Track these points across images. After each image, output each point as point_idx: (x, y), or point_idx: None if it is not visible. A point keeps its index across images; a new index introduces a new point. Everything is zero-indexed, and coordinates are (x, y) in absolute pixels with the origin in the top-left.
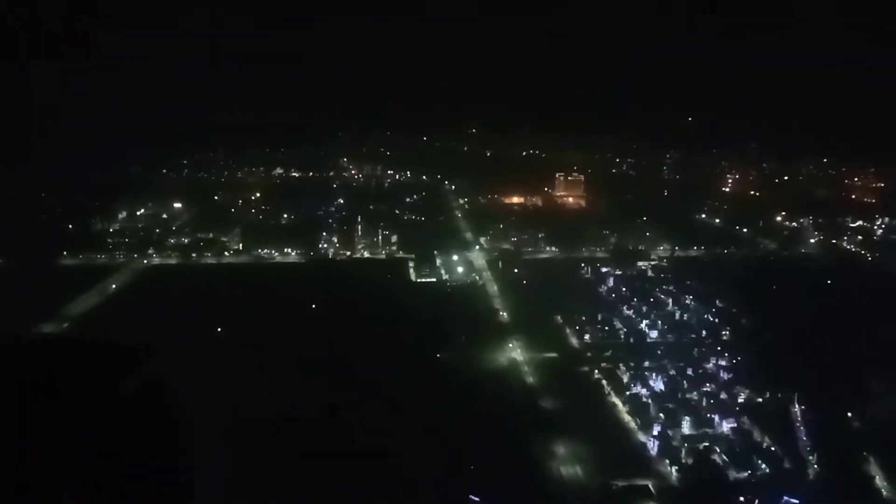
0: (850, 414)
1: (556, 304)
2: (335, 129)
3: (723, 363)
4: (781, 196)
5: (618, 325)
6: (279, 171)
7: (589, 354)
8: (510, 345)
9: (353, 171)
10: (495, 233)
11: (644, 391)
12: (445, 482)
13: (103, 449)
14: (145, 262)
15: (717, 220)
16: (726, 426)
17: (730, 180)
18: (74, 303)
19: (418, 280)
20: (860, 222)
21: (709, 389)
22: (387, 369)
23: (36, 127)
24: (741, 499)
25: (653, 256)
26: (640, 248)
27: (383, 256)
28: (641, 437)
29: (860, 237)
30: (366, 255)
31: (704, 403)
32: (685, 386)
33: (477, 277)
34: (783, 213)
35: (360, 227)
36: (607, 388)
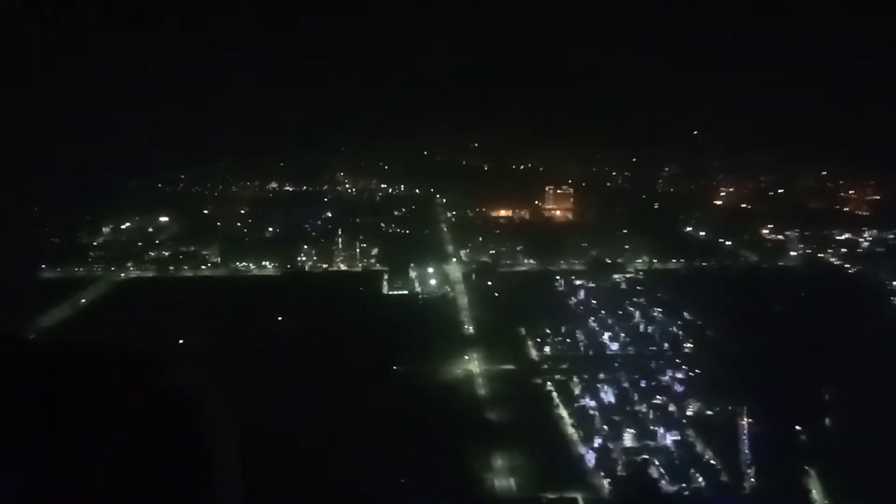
0: (798, 427)
1: (522, 317)
2: (338, 144)
3: (679, 376)
4: (773, 208)
5: (580, 337)
6: (274, 184)
7: (545, 366)
8: (469, 357)
9: (347, 185)
10: (475, 246)
11: (592, 403)
12: (372, 495)
13: (121, 457)
14: (122, 275)
15: (703, 233)
16: (669, 439)
17: (723, 193)
18: (43, 316)
19: (390, 293)
20: (847, 235)
21: (659, 402)
22: (339, 381)
23: (33, 136)
24: None
25: (630, 269)
26: (618, 260)
27: (359, 269)
28: (581, 450)
29: (844, 250)
30: (342, 267)
31: (652, 416)
32: (635, 398)
33: (449, 290)
34: (770, 226)
35: (340, 239)
36: (556, 400)
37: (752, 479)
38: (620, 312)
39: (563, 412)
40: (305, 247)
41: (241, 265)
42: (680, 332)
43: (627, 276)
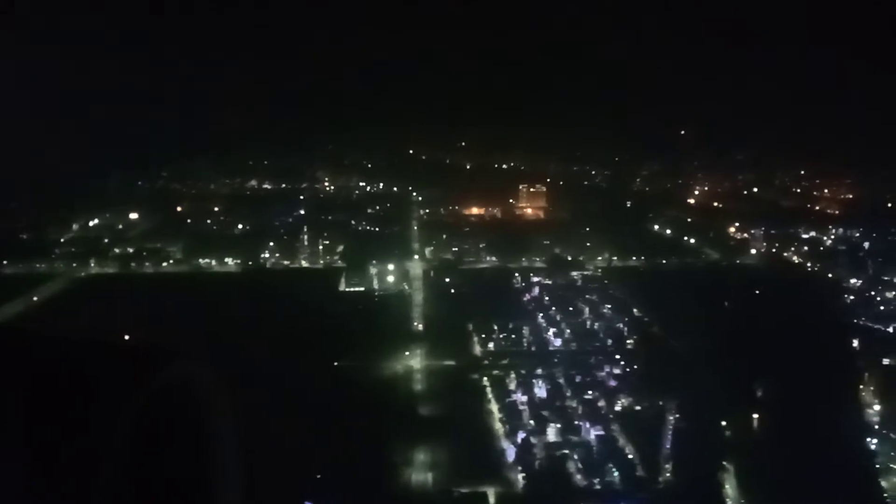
0: (724, 423)
1: (473, 313)
2: (325, 142)
3: (616, 371)
4: (745, 207)
5: (526, 333)
6: (253, 182)
7: (486, 362)
8: (413, 353)
9: (325, 184)
10: (440, 243)
11: (524, 398)
12: (287, 489)
13: (124, 454)
14: (82, 272)
15: (668, 231)
16: (593, 434)
17: (696, 192)
18: None
19: (346, 289)
20: (813, 233)
21: (589, 397)
22: (274, 377)
23: (6, 131)
24: None
25: (589, 266)
26: (579, 258)
27: (321, 266)
28: (503, 444)
29: (806, 248)
30: (304, 264)
31: (581, 411)
32: (567, 394)
33: (407, 287)
34: (736, 224)
35: (305, 237)
36: (490, 396)
37: (667, 475)
38: (570, 309)
39: (494, 407)
40: (271, 244)
41: (203, 262)
42: (625, 329)
43: (585, 273)
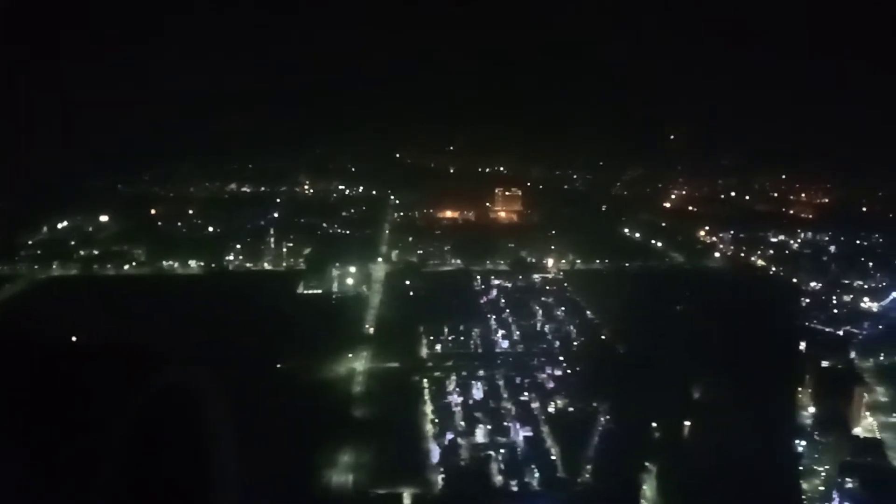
0: (654, 425)
1: (427, 315)
2: (313, 146)
3: (557, 373)
4: (719, 211)
5: (475, 335)
6: (233, 185)
7: (430, 364)
8: (358, 355)
9: (305, 187)
10: (408, 246)
11: (459, 399)
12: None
13: (123, 454)
14: (43, 274)
15: (637, 235)
16: (521, 435)
17: (673, 196)
18: None
19: (304, 292)
20: (781, 237)
21: (524, 399)
22: (213, 378)
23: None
24: None
25: (552, 269)
26: (543, 261)
27: (283, 269)
28: (430, 445)
29: (773, 251)
30: (267, 267)
31: (514, 412)
32: (504, 395)
33: (366, 289)
34: (706, 228)
35: (271, 240)
36: (426, 397)
37: (587, 476)
38: (524, 312)
39: (428, 409)
40: (238, 246)
41: (166, 264)
42: (574, 332)
43: (546, 276)
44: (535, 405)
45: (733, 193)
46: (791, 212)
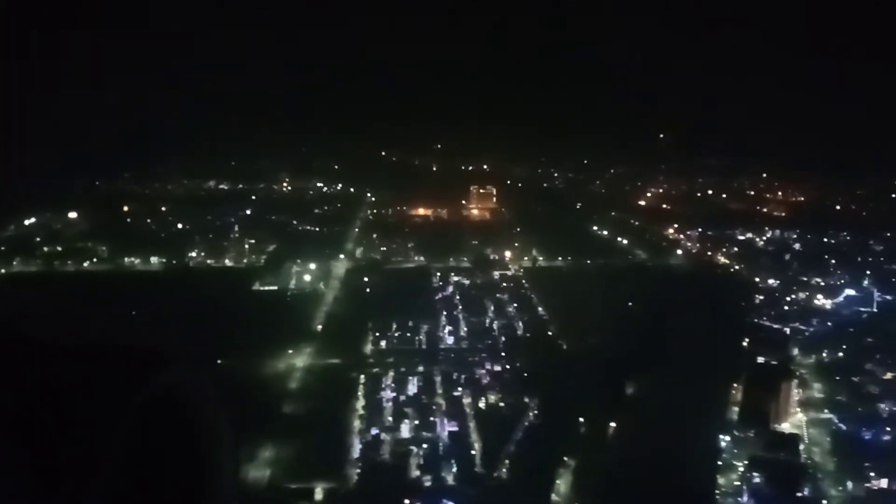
0: (581, 421)
1: (378, 312)
2: (299, 144)
3: (496, 369)
4: (691, 209)
5: (422, 331)
6: (211, 183)
7: (371, 360)
8: (302, 351)
9: (284, 185)
10: (373, 243)
11: (391, 395)
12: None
13: (119, 458)
14: (2, 270)
15: (606, 232)
16: (447, 430)
17: (649, 194)
18: None
19: (259, 288)
20: (748, 235)
21: (457, 394)
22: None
23: None
24: (406, 502)
25: (512, 267)
26: (505, 258)
27: (244, 265)
28: (353, 440)
29: (737, 249)
30: (228, 263)
31: (444, 408)
32: (438, 391)
33: (323, 286)
34: (675, 226)
35: (234, 236)
36: (360, 393)
37: (504, 471)
38: (476, 308)
39: (359, 404)
40: (202, 243)
41: (127, 261)
42: (521, 328)
43: (506, 273)
44: (466, 400)
45: (710, 192)
46: (765, 210)
